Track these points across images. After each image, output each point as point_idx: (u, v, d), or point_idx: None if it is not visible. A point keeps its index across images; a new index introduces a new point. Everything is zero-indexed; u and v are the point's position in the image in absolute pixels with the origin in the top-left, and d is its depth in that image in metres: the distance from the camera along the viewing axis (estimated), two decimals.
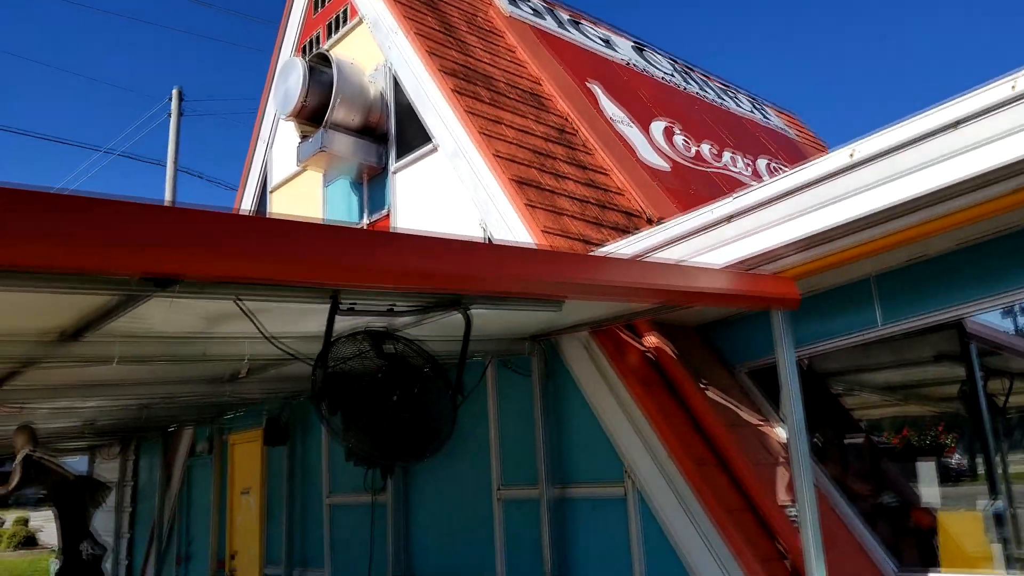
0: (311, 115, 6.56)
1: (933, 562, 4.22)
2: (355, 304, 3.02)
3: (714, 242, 4.19)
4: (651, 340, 4.86)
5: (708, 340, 5.35)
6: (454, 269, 2.42)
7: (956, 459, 4.67)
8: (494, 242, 5.35)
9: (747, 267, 4.11)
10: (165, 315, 3.16)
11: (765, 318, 4.99)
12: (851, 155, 3.78)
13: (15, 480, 5.41)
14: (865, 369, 5.32)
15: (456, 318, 3.75)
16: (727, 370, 5.19)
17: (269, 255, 2.07)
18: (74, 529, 6.33)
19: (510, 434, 5.29)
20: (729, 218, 4.19)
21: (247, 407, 7.77)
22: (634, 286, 3.03)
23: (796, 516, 4.22)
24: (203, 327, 3.56)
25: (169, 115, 15.41)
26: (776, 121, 10.69)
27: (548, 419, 4.91)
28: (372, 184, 6.86)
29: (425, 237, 2.47)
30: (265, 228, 2.16)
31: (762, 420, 4.95)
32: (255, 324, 2.91)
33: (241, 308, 2.81)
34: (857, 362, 5.13)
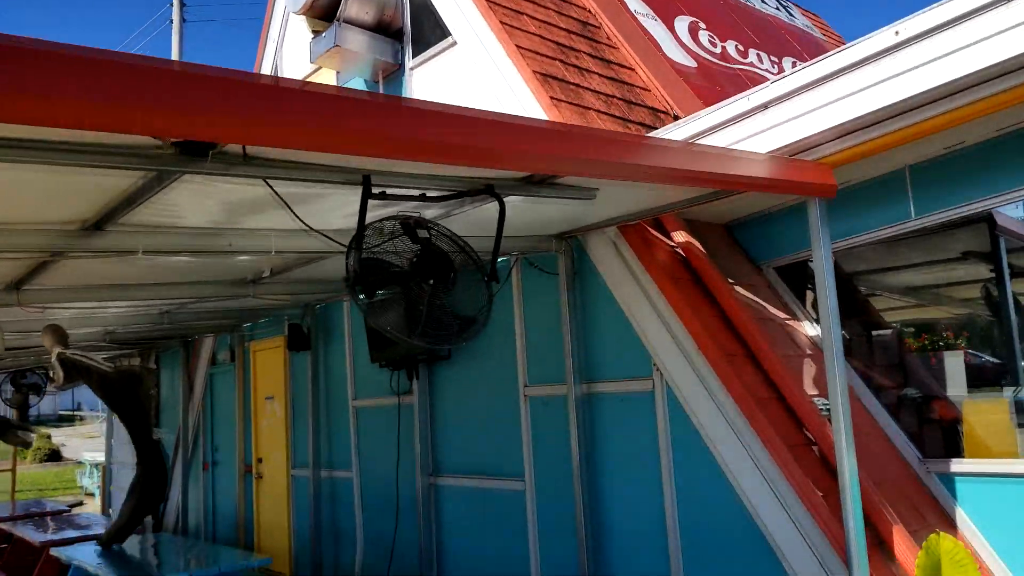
0: (323, 12, 6.32)
1: (956, 451, 4.25)
2: (386, 189, 2.95)
3: (748, 132, 4.06)
4: (679, 237, 4.79)
5: (735, 238, 5.28)
6: (516, 147, 2.33)
7: (975, 359, 4.65)
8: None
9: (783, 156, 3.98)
10: (190, 202, 3.10)
11: (792, 215, 4.92)
12: (896, 33, 3.60)
13: (60, 374, 5.49)
14: (890, 269, 5.26)
15: (485, 214, 3.68)
16: (754, 267, 5.14)
17: (310, 122, 1.98)
18: (139, 424, 6.43)
19: (536, 333, 5.29)
20: (765, 106, 4.04)
21: (268, 314, 7.81)
22: (681, 170, 2.94)
23: (824, 407, 4.24)
24: (228, 218, 3.51)
25: (170, 21, 14.97)
26: (801, 20, 10.28)
27: (575, 317, 4.90)
28: (388, 83, 6.67)
29: (474, 112, 2.37)
30: (303, 96, 2.06)
31: (789, 316, 4.92)
32: (283, 204, 2.85)
33: (271, 189, 2.73)
34: (882, 262, 5.06)
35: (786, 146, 3.91)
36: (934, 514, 4.07)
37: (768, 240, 5.10)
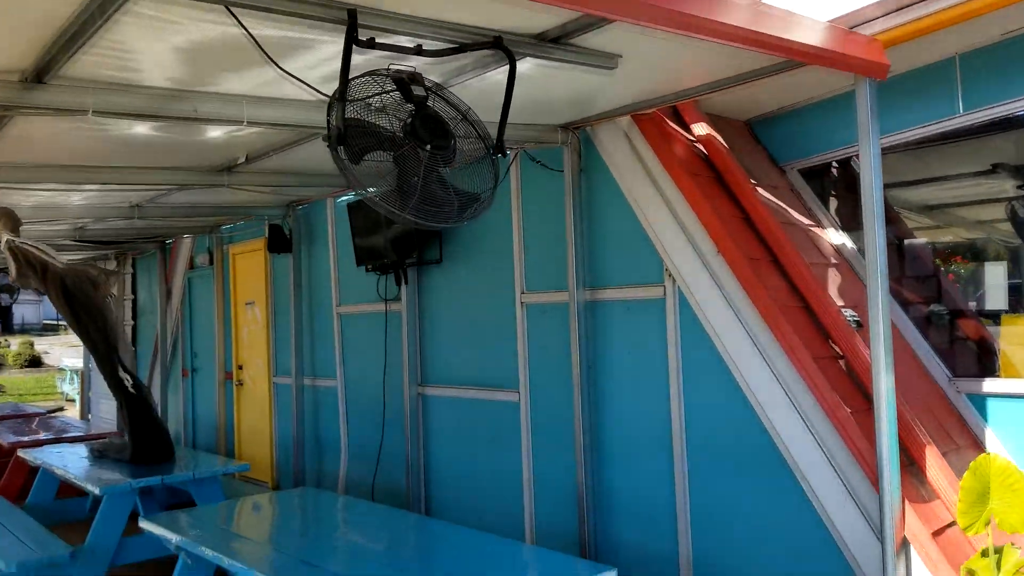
0: None
1: (990, 371, 3.95)
2: (376, 36, 2.47)
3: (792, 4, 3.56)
4: (699, 131, 4.33)
5: (756, 136, 4.83)
6: None
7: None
8: None
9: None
10: (143, 45, 2.61)
11: (820, 111, 4.46)
12: None
13: (12, 266, 4.93)
14: (909, 183, 4.84)
15: (486, 85, 3.21)
16: (776, 169, 4.71)
17: None
18: (99, 344, 5.70)
19: (535, 236, 4.88)
20: None
21: (248, 215, 7.34)
22: (745, 30, 2.48)
23: (852, 319, 3.89)
24: (192, 77, 3.02)
25: None
26: None
27: (580, 217, 4.48)
28: None
29: None
30: None
31: (813, 222, 4.53)
32: (251, 41, 2.37)
33: (236, 20, 2.25)
34: (901, 175, 4.66)
35: (834, 19, 3.43)
36: (962, 435, 3.79)
37: (793, 138, 4.66)
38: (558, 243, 4.66)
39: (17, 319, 52.81)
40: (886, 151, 4.20)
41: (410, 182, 2.32)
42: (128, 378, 5.41)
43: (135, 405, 5.56)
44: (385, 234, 5.63)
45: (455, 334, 5.48)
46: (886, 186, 5.08)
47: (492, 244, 5.17)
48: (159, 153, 4.34)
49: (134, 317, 10.67)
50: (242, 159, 4.56)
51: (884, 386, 3.10)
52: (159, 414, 5.94)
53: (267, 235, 6.96)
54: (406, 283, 5.73)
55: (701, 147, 4.29)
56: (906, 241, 4.54)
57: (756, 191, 4.12)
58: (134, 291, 10.67)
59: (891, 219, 4.84)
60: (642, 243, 4.22)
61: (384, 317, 6.06)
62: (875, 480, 3.22)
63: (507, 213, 5.03)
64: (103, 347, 5.55)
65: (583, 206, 4.51)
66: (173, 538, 3.61)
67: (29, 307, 50.44)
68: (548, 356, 4.77)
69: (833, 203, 4.77)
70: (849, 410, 3.42)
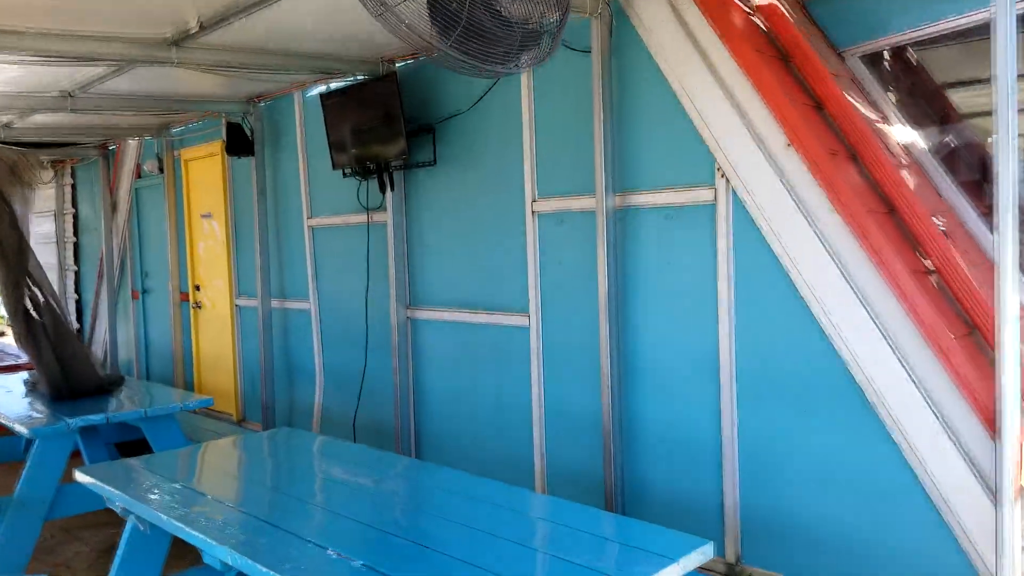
0: None
1: None
2: None
3: None
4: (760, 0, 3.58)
5: (812, 17, 4.09)
6: None
7: None
8: None
9: None
10: None
11: None
12: None
13: None
14: (970, 83, 4.19)
15: None
16: (835, 54, 4.00)
17: None
18: (12, 256, 4.73)
19: (549, 131, 4.13)
20: None
21: (202, 112, 6.40)
22: None
23: (943, 225, 3.27)
24: None
25: None
26: None
27: (610, 106, 3.73)
28: None
29: None
30: None
31: (880, 117, 3.85)
32: None
33: None
34: (960, 72, 4.03)
35: None
36: None
37: (857, 18, 3.93)
38: (579, 140, 3.93)
39: None
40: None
41: (449, 7, 1.56)
42: (39, 293, 4.49)
43: (44, 329, 4.62)
44: (367, 129, 4.81)
45: (451, 249, 4.76)
46: (951, 84, 4.47)
47: (497, 142, 4.40)
48: (87, 14, 3.44)
49: (75, 234, 9.68)
50: (194, 26, 3.67)
51: (1009, 308, 2.51)
52: (78, 338, 4.96)
53: (224, 136, 6.05)
54: (392, 189, 4.96)
55: (763, 21, 3.55)
56: (988, 140, 3.91)
57: (832, 74, 3.41)
58: (75, 204, 9.65)
59: (960, 114, 4.22)
60: (687, 137, 3.52)
61: (365, 230, 5.30)
62: (987, 421, 2.67)
63: (515, 103, 4.25)
64: (13, 254, 4.59)
65: (614, 93, 3.76)
66: (118, 498, 2.92)
67: None
68: (565, 273, 4.10)
69: (891, 96, 4.10)
70: (953, 336, 2.84)
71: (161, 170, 7.49)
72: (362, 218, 5.31)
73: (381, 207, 5.13)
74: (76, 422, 3.90)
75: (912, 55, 4.22)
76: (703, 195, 3.49)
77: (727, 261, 3.43)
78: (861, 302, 3.01)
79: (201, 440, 4.79)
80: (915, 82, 4.27)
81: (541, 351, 4.25)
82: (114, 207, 8.57)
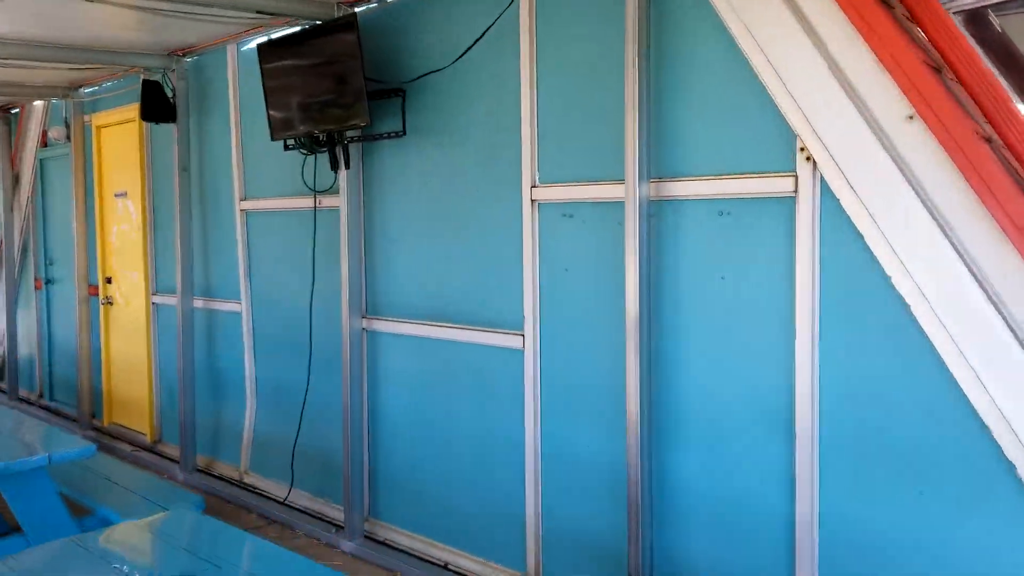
0: None
1: None
2: None
3: None
4: None
5: None
6: None
7: None
8: None
9: None
10: None
11: None
12: None
13: None
14: None
15: None
16: None
17: None
18: None
19: (559, 94, 3.16)
20: None
21: (114, 66, 5.24)
22: None
23: None
24: None
25: None
26: None
27: (645, 68, 2.77)
28: None
29: None
30: None
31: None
32: None
33: None
34: None
35: None
36: None
37: None
38: (600, 107, 2.98)
39: None
40: None
41: None
42: None
43: None
44: (317, 90, 3.77)
45: (423, 244, 3.76)
46: None
47: (487, 108, 3.41)
48: None
49: None
50: None
51: None
52: None
53: (140, 95, 4.91)
54: (347, 167, 3.92)
55: None
56: None
57: (958, 28, 2.52)
58: None
59: None
60: (756, 106, 2.59)
61: (312, 216, 4.26)
62: None
63: (512, 58, 3.27)
64: None
65: (652, 45, 2.81)
66: None
67: None
68: (574, 283, 3.14)
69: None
70: None
71: (69, 138, 6.27)
72: (308, 202, 4.26)
73: (332, 189, 4.10)
74: None
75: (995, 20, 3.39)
76: (777, 185, 2.56)
77: (810, 275, 2.51)
78: (1019, 339, 2.13)
79: (94, 486, 3.69)
80: (1009, 52, 3.44)
81: (538, 379, 3.29)
82: (16, 181, 7.30)
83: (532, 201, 3.25)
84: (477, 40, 3.36)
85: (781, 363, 2.59)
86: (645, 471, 2.85)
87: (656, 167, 2.83)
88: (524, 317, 3.30)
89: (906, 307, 2.32)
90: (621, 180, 2.88)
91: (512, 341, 3.35)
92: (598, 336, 3.05)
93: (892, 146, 2.31)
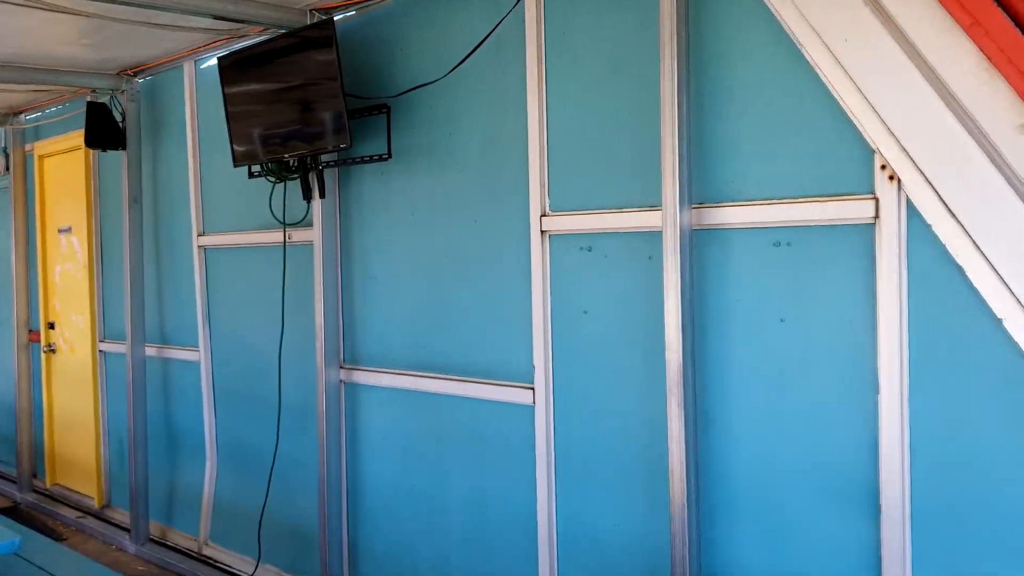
0: None
1: None
2: None
3: None
4: None
5: None
6: None
7: None
8: None
9: None
10: None
11: None
12: None
13: None
14: None
15: None
16: None
17: None
18: None
19: (573, 107, 2.71)
20: None
21: (57, 87, 4.69)
22: None
23: None
24: None
25: None
26: None
27: (685, 70, 2.34)
28: None
29: None
30: None
31: None
32: None
33: None
34: None
35: None
36: None
37: None
38: (623, 122, 2.54)
39: None
40: None
41: None
42: None
43: None
44: (287, 108, 3.29)
45: (411, 284, 3.26)
46: None
47: (486, 125, 2.96)
48: None
49: None
50: None
51: None
52: None
53: (86, 119, 4.36)
54: (322, 196, 3.43)
55: None
56: None
57: None
58: None
59: None
60: (822, 116, 2.17)
61: (281, 252, 3.74)
62: None
63: (516, 65, 2.82)
64: None
65: (691, 45, 2.38)
66: None
67: None
68: (595, 326, 2.67)
69: None
70: None
71: (8, 168, 5.69)
72: (276, 236, 3.75)
73: (305, 221, 3.60)
74: None
75: None
76: (851, 210, 2.13)
77: (896, 316, 2.07)
78: None
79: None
80: None
81: (552, 441, 2.79)
82: None
83: (542, 232, 2.79)
84: (477, 46, 2.91)
85: (860, 422, 2.14)
86: (692, 556, 2.35)
87: (698, 191, 2.38)
88: (534, 367, 2.81)
89: (1017, 347, 1.89)
90: (652, 206, 2.44)
91: (520, 395, 2.85)
92: (626, 390, 2.57)
93: (1002, 160, 1.89)
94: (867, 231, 2.12)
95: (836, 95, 2.12)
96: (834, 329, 2.18)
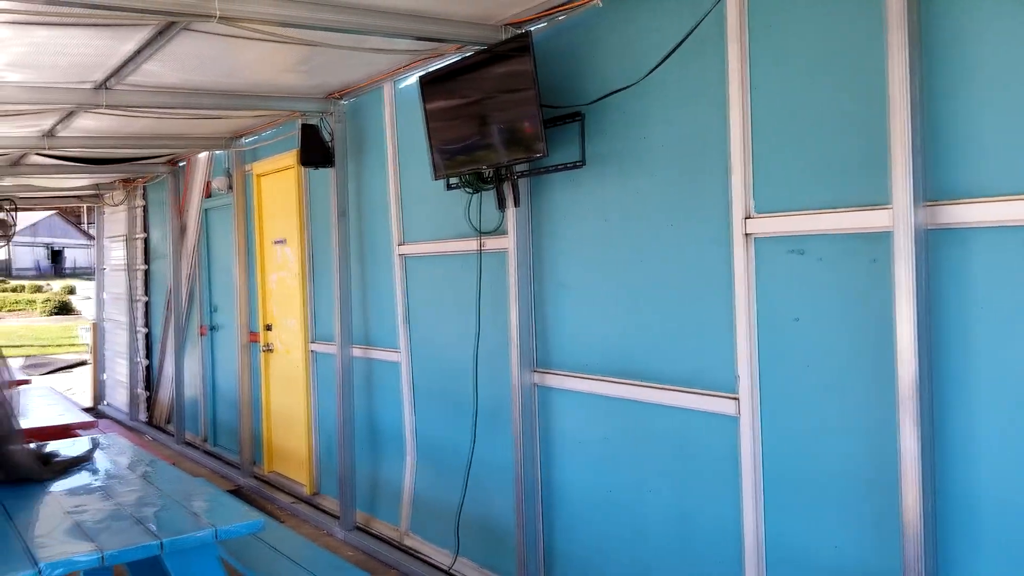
0: None
1: None
2: None
3: None
4: None
5: None
6: None
7: None
8: None
9: None
10: None
11: None
12: None
13: None
14: None
15: None
16: None
17: None
18: None
19: (778, 104, 2.60)
20: None
21: (271, 112, 5.16)
22: None
23: None
24: None
25: None
26: None
27: (918, 47, 2.17)
28: None
29: None
30: None
31: None
32: None
33: None
34: None
35: None
36: None
37: None
38: (837, 115, 2.40)
39: (69, 262, 52.29)
40: None
41: None
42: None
43: None
44: (484, 121, 3.41)
45: (603, 290, 3.27)
46: None
47: (682, 128, 2.91)
48: None
49: (147, 261, 8.73)
50: None
51: None
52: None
53: (300, 140, 4.78)
54: (516, 204, 3.53)
55: None
56: None
57: None
58: (146, 228, 8.72)
59: None
60: None
61: (477, 260, 3.89)
62: None
63: (715, 66, 2.75)
64: None
65: (924, 28, 2.21)
66: None
67: (81, 251, 49.74)
68: (808, 335, 2.54)
69: None
70: None
71: (231, 187, 6.35)
72: (471, 244, 3.91)
73: (499, 230, 3.72)
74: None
75: None
76: None
77: None
78: None
79: (256, 555, 3.43)
80: None
81: (760, 455, 2.69)
82: (183, 231, 7.53)
83: (746, 235, 2.70)
84: (677, 46, 2.86)
85: None
86: None
87: (931, 186, 2.20)
88: (738, 376, 2.72)
89: None
90: (875, 204, 2.28)
91: (722, 406, 2.78)
92: (845, 404, 2.43)
93: None
94: None
95: None
96: None
